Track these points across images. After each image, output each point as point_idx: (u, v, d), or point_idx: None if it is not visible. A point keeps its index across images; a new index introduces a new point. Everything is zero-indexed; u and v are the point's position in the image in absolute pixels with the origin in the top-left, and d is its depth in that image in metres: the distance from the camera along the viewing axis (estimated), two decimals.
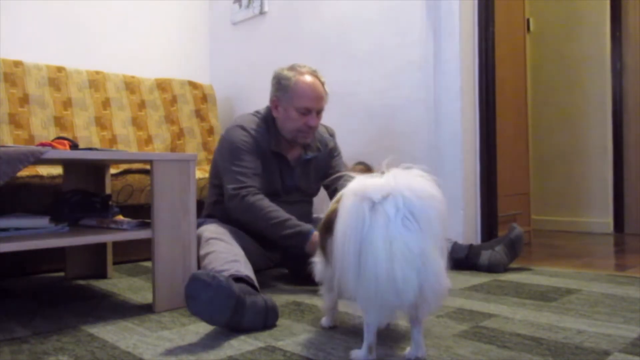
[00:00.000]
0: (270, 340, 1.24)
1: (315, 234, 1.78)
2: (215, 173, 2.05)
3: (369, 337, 1.07)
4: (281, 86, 1.97)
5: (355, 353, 1.10)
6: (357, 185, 1.03)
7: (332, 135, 2.23)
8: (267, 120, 2.04)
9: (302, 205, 2.11)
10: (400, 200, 0.97)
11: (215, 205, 2.05)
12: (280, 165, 2.03)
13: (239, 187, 1.87)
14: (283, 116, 1.99)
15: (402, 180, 1.00)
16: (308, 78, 1.97)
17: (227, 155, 1.94)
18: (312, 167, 2.13)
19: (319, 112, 2.01)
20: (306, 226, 1.82)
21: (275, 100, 2.00)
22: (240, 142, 1.94)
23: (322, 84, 2.01)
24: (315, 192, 2.17)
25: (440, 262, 1.00)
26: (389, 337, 1.25)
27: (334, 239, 1.04)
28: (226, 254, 1.63)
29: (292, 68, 2.01)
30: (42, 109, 2.64)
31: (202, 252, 1.69)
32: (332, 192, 2.18)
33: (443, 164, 2.46)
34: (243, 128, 1.97)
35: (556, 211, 3.77)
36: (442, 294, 1.02)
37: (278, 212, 1.84)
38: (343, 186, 1.15)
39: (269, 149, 1.99)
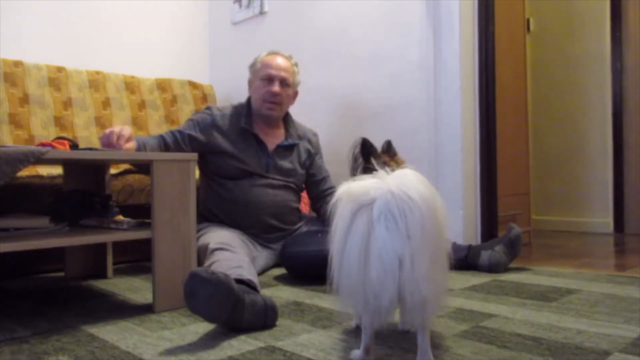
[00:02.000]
0: (270, 340, 1.24)
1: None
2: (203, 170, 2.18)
3: (365, 338, 1.08)
4: (252, 64, 2.20)
5: (354, 353, 1.11)
6: (347, 187, 1.03)
7: (315, 135, 2.35)
8: (242, 104, 2.19)
9: (285, 191, 2.14)
10: (383, 203, 0.95)
11: (207, 201, 2.16)
12: (253, 144, 2.11)
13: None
14: (253, 90, 2.17)
15: (390, 183, 0.97)
16: (274, 55, 2.18)
17: None
18: (294, 152, 2.19)
19: (283, 84, 2.14)
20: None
21: (250, 80, 2.21)
22: (196, 115, 2.13)
23: (292, 64, 2.20)
24: (299, 181, 2.20)
25: (424, 268, 0.93)
26: (390, 337, 1.25)
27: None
28: (230, 261, 1.65)
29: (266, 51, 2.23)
30: (42, 109, 2.63)
31: (206, 263, 1.72)
32: (315, 199, 2.24)
33: (443, 164, 2.46)
34: (208, 107, 2.15)
35: (556, 211, 3.77)
36: (424, 302, 0.96)
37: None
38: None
39: (239, 126, 2.10)
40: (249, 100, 2.19)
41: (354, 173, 1.35)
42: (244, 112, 2.14)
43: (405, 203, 0.94)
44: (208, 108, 2.14)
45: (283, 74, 2.13)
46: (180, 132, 2.06)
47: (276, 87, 2.10)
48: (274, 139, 2.16)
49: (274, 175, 2.11)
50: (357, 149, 1.38)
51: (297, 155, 2.20)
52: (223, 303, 1.23)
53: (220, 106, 2.20)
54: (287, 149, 2.17)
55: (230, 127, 2.09)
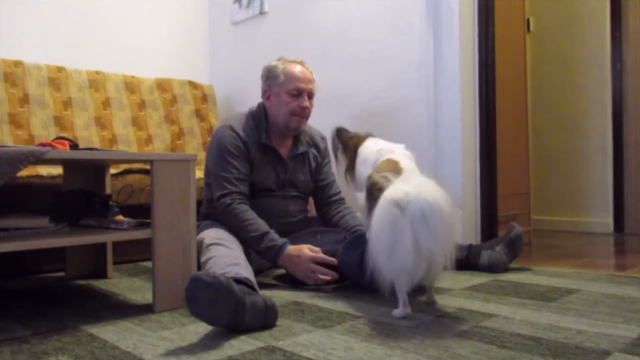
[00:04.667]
0: (270, 340, 1.24)
1: (289, 249, 1.83)
2: (208, 171, 2.08)
3: (402, 296, 1.44)
4: (271, 74, 2.06)
5: (395, 312, 1.45)
6: (390, 193, 1.39)
7: (323, 138, 2.27)
8: (257, 115, 2.09)
9: (296, 200, 2.12)
10: (419, 207, 1.33)
11: (211, 203, 2.08)
12: (272, 159, 2.06)
13: (223, 194, 1.92)
14: (275, 103, 2.05)
15: (422, 191, 1.36)
16: (296, 64, 2.07)
17: (214, 157, 2.00)
18: (306, 162, 2.16)
19: (310, 96, 2.07)
20: (280, 242, 1.85)
21: (267, 91, 2.08)
22: (228, 143, 1.98)
23: (310, 72, 2.09)
24: (309, 189, 2.19)
25: (441, 252, 1.37)
26: (390, 337, 1.25)
27: (371, 230, 1.41)
28: (226, 257, 1.64)
29: (279, 59, 2.10)
30: (42, 109, 2.64)
31: (203, 258, 1.71)
32: (320, 203, 2.21)
33: (443, 164, 2.46)
34: (231, 128, 2.01)
35: (556, 211, 3.77)
36: (437, 274, 1.51)
37: (257, 225, 1.87)
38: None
39: (260, 142, 2.03)
40: (264, 110, 2.09)
41: (335, 154, 2.10)
42: (263, 125, 2.05)
43: (436, 207, 1.34)
44: (231, 129, 1.99)
45: (310, 86, 2.06)
46: (242, 179, 1.96)
47: (307, 102, 2.03)
48: (286, 148, 2.13)
49: (289, 189, 2.10)
50: (334, 134, 2.11)
51: (308, 163, 2.17)
52: (225, 307, 1.24)
53: (237, 117, 2.07)
54: (299, 158, 2.13)
55: (251, 143, 2.01)
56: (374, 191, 1.54)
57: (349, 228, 2.06)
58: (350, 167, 1.97)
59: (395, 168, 1.64)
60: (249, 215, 1.89)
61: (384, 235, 1.37)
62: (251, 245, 1.88)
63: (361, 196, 1.75)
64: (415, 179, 1.48)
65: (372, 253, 1.41)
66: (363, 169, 1.81)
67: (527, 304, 1.56)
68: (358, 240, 1.75)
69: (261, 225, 1.87)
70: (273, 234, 1.86)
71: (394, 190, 1.40)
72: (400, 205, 1.35)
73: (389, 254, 1.36)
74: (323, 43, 2.94)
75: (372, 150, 1.84)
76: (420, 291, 1.65)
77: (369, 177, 1.66)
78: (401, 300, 1.45)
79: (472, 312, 1.47)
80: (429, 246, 1.33)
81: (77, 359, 1.14)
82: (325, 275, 1.79)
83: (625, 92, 3.51)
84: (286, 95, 2.02)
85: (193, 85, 3.29)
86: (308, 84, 2.05)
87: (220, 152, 1.97)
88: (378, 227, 1.39)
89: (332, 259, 1.79)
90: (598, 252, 2.68)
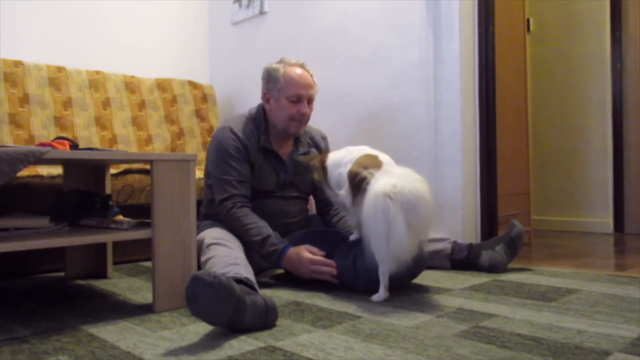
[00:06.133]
0: (270, 340, 1.24)
1: (290, 253, 1.84)
2: (209, 173, 2.07)
3: (384, 280, 1.61)
4: (271, 78, 2.04)
5: (375, 296, 1.61)
6: (379, 185, 1.54)
7: (324, 138, 2.26)
8: (257, 117, 2.07)
9: (296, 201, 2.12)
10: (406, 195, 1.52)
11: (211, 203, 2.07)
12: (272, 161, 2.06)
13: (225, 197, 1.92)
14: (275, 107, 2.04)
15: (405, 181, 1.56)
16: (296, 68, 2.04)
17: (214, 160, 1.99)
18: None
19: (309, 101, 2.06)
20: (280, 247, 1.85)
21: (267, 93, 2.06)
22: (228, 146, 1.97)
23: (311, 75, 2.07)
24: (309, 190, 2.19)
25: (427, 230, 1.66)
26: (390, 336, 1.25)
27: (364, 222, 1.56)
28: (226, 257, 1.64)
29: (280, 61, 2.08)
30: (42, 109, 2.64)
31: (203, 258, 1.71)
32: (321, 204, 2.21)
33: (443, 164, 2.46)
34: (231, 130, 2.00)
35: (556, 211, 3.77)
36: (422, 253, 1.72)
37: (258, 229, 1.87)
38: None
39: (259, 145, 2.02)
40: (263, 112, 2.08)
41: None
42: (263, 127, 2.04)
43: (420, 197, 1.54)
44: (231, 131, 1.98)
45: (311, 92, 2.03)
46: (243, 181, 1.96)
47: (306, 108, 2.02)
48: (286, 149, 2.12)
49: (289, 189, 2.10)
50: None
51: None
52: (225, 306, 1.23)
53: (237, 119, 2.06)
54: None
55: (250, 145, 2.00)
56: (361, 184, 1.62)
57: (348, 230, 2.07)
58: (325, 181, 1.90)
59: (375, 162, 1.69)
60: (250, 219, 1.89)
61: (380, 223, 1.51)
62: (254, 249, 1.88)
63: (341, 194, 1.77)
64: (396, 170, 1.64)
65: (370, 241, 1.55)
66: (342, 170, 1.78)
67: (527, 304, 1.56)
68: (349, 247, 1.79)
69: (262, 228, 1.87)
70: (274, 238, 1.86)
71: (381, 183, 1.55)
72: (389, 196, 1.51)
73: (387, 239, 1.51)
74: (323, 43, 2.94)
75: (339, 154, 1.84)
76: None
77: (354, 172, 1.69)
78: (383, 284, 1.61)
79: (472, 312, 1.47)
80: (418, 227, 1.55)
81: (77, 359, 1.14)
82: (327, 272, 1.80)
83: (625, 92, 3.51)
84: (286, 100, 2.00)
85: (193, 85, 3.29)
86: (308, 89, 2.02)
87: (220, 154, 1.96)
88: (373, 217, 1.52)
89: (330, 261, 1.80)
90: (598, 252, 2.68)
